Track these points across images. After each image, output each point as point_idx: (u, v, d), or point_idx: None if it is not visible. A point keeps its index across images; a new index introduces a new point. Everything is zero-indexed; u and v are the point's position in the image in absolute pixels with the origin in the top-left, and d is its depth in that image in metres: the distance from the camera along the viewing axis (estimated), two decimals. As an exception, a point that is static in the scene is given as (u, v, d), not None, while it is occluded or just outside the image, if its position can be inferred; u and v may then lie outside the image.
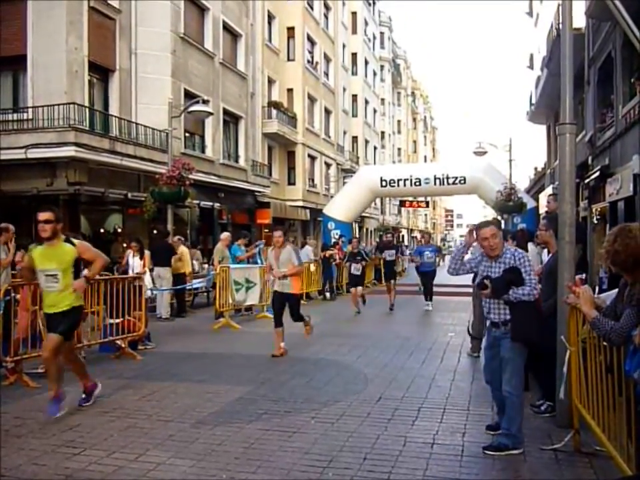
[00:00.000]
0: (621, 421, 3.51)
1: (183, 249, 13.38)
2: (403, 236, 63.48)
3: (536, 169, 34.08)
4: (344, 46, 40.55)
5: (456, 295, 16.22)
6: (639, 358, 2.84)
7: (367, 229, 45.94)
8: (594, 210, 16.06)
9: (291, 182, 30.53)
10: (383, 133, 54.81)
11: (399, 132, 63.96)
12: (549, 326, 5.23)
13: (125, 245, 17.07)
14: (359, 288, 13.88)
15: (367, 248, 23.61)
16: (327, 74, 35.94)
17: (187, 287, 13.74)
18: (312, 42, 32.67)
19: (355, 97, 43.89)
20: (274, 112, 27.27)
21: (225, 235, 13.63)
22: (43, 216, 5.32)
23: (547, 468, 4.26)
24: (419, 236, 58.43)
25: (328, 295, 17.51)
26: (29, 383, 6.69)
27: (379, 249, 15.40)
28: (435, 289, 14.83)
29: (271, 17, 28.34)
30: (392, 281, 14.49)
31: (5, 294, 6.82)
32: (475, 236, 4.87)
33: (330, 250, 18.47)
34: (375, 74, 51.31)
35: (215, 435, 4.96)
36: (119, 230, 17.51)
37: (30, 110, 14.96)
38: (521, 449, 4.54)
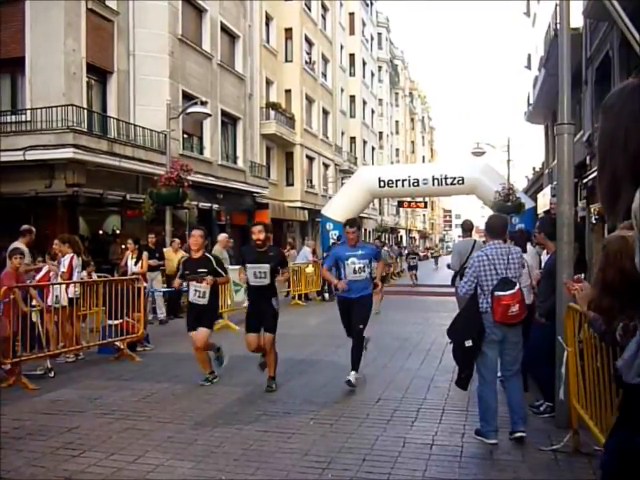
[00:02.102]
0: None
1: (165, 250, 13.30)
2: (401, 237, 63.48)
3: (534, 169, 34.11)
4: (342, 47, 40.57)
5: (454, 295, 16.22)
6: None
7: (365, 230, 45.97)
8: (592, 210, 16.07)
9: (289, 183, 30.52)
10: (381, 133, 54.85)
11: (397, 132, 64.00)
12: (542, 329, 5.24)
13: (123, 246, 17.09)
14: (203, 331, 6.80)
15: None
16: (324, 75, 35.96)
17: (184, 289, 13.74)
18: (310, 43, 32.69)
19: (352, 97, 43.92)
20: (272, 113, 27.27)
21: (222, 237, 13.61)
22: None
23: (546, 468, 4.27)
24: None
25: (327, 295, 17.53)
26: (28, 384, 6.69)
27: (240, 260, 7.59)
28: (427, 289, 13.32)
29: (268, 18, 28.35)
30: (267, 334, 6.71)
31: (5, 296, 6.81)
32: None
33: None
34: (372, 74, 51.35)
35: (214, 437, 4.96)
36: (118, 231, 17.49)
37: (28, 112, 14.94)
38: (489, 440, 4.64)
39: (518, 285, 4.73)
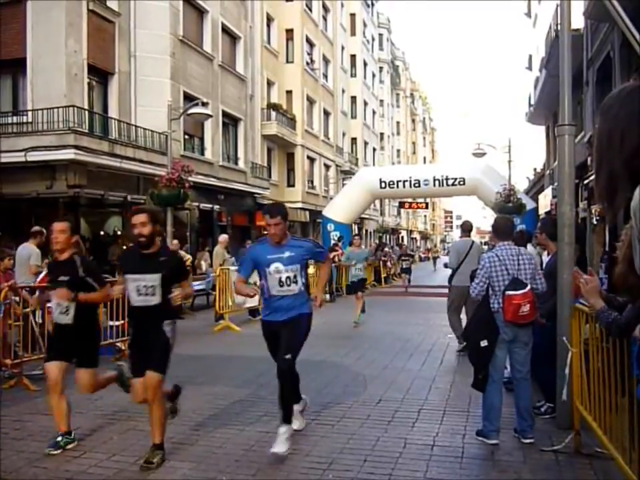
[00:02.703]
0: (623, 423, 3.51)
1: None
2: (402, 237, 63.42)
3: (535, 170, 34.09)
4: (343, 48, 40.58)
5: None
6: None
7: (366, 230, 45.96)
8: (593, 211, 16.06)
9: (290, 184, 30.53)
10: (382, 134, 54.85)
11: (398, 133, 64.00)
12: (547, 328, 5.23)
13: (124, 247, 17.07)
14: (84, 374, 4.84)
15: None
16: (325, 76, 35.97)
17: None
18: (311, 44, 32.70)
19: (353, 98, 43.93)
20: (273, 114, 27.28)
21: (223, 237, 13.61)
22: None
23: (547, 469, 4.27)
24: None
25: (327, 296, 17.52)
26: (29, 386, 6.69)
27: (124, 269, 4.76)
28: (430, 289, 13.71)
29: (269, 19, 28.37)
30: (152, 374, 4.44)
31: (5, 298, 6.82)
32: None
33: (334, 251, 18.54)
34: (373, 75, 51.37)
35: (215, 438, 4.96)
36: (119, 232, 17.51)
37: (29, 113, 14.96)
38: (490, 440, 4.68)
39: (529, 285, 4.76)
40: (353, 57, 43.86)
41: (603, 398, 3.85)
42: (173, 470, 4.25)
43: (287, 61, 30.14)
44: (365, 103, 46.81)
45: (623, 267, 2.39)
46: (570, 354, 4.55)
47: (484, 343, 4.70)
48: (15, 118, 15.26)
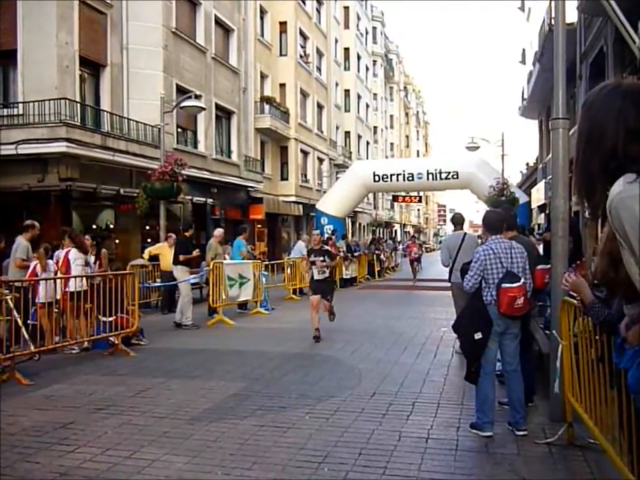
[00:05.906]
0: (614, 414, 3.53)
1: (159, 245, 13.41)
2: (395, 231, 63.53)
3: (528, 163, 34.19)
4: (336, 41, 40.47)
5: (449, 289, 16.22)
6: (629, 355, 2.83)
7: (359, 224, 45.99)
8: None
9: (284, 177, 30.48)
10: (375, 127, 54.82)
11: (392, 127, 63.98)
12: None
13: (117, 241, 17.01)
14: None
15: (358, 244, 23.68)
16: (319, 69, 35.87)
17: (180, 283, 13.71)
18: (304, 37, 32.58)
19: (347, 91, 43.85)
20: (266, 107, 27.19)
21: (219, 232, 13.56)
22: None
23: (541, 461, 4.29)
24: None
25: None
26: (22, 380, 6.66)
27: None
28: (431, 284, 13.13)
29: (263, 12, 28.22)
30: None
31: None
32: None
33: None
34: (367, 69, 51.29)
35: (210, 431, 4.96)
36: (111, 226, 17.43)
37: (20, 105, 14.82)
38: (484, 432, 4.73)
39: (523, 279, 4.80)
40: (347, 50, 43.77)
41: (593, 390, 3.87)
42: (168, 464, 4.25)
43: (281, 54, 30.03)
44: (359, 97, 46.73)
45: (602, 261, 2.34)
46: (560, 347, 4.59)
47: (478, 336, 4.73)
48: (5, 110, 15.11)
